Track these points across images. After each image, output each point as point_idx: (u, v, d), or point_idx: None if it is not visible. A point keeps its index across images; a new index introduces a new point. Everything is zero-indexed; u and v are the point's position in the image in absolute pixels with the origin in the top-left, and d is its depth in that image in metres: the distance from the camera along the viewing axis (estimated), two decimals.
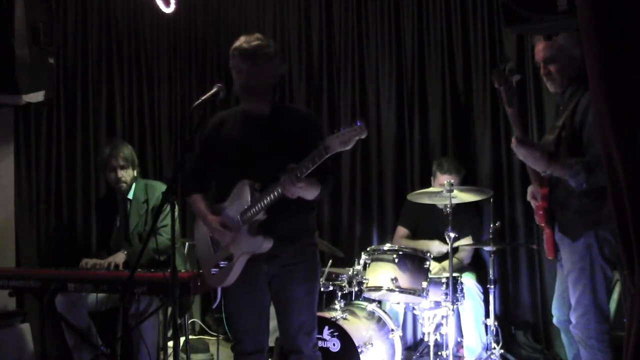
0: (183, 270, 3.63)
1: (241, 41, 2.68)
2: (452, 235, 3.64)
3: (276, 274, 2.71)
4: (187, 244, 4.46)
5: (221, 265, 2.71)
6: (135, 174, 3.92)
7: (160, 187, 3.91)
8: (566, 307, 2.86)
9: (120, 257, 3.60)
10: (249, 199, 2.61)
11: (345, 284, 3.76)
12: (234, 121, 2.78)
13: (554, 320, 3.05)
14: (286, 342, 2.77)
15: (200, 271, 3.06)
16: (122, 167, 3.84)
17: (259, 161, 2.66)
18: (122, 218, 3.93)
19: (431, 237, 4.20)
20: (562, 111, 2.86)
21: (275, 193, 2.51)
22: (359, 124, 2.35)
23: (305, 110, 2.90)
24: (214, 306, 2.89)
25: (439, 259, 4.10)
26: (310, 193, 2.61)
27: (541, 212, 2.86)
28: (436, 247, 4.11)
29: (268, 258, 2.67)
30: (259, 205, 2.56)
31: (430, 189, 3.94)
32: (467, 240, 4.13)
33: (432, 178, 4.27)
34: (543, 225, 2.89)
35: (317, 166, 2.42)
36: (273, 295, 2.76)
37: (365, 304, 3.82)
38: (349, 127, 2.35)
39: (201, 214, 2.79)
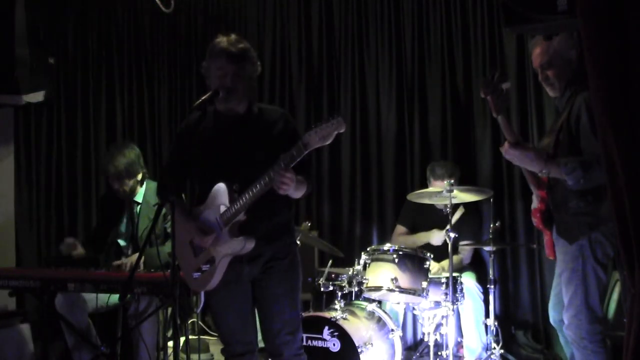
0: None
1: (224, 42, 2.65)
2: (452, 235, 3.64)
3: (258, 276, 2.69)
4: None
5: (203, 269, 2.66)
6: (139, 179, 3.80)
7: None
8: (561, 307, 2.87)
9: (134, 259, 3.57)
10: (228, 200, 2.58)
11: (345, 284, 3.76)
12: (208, 121, 2.72)
13: (551, 320, 3.06)
14: (268, 345, 2.73)
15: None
16: (117, 179, 3.75)
17: (235, 162, 2.65)
18: (129, 220, 3.86)
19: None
20: (560, 114, 2.86)
21: (255, 193, 2.48)
22: (336, 118, 2.33)
23: (280, 110, 2.86)
24: (198, 310, 2.87)
25: (439, 256, 4.08)
26: (299, 191, 2.61)
27: (538, 215, 2.86)
28: (435, 236, 4.10)
29: (250, 259, 2.65)
30: (239, 207, 2.53)
31: (431, 189, 3.93)
32: (466, 241, 4.11)
33: (427, 182, 4.27)
34: (541, 227, 2.89)
35: (300, 164, 2.42)
36: (255, 296, 2.73)
37: (365, 304, 3.81)
38: (327, 122, 2.33)
39: (182, 218, 2.72)
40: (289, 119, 2.81)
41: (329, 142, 2.36)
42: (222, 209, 2.59)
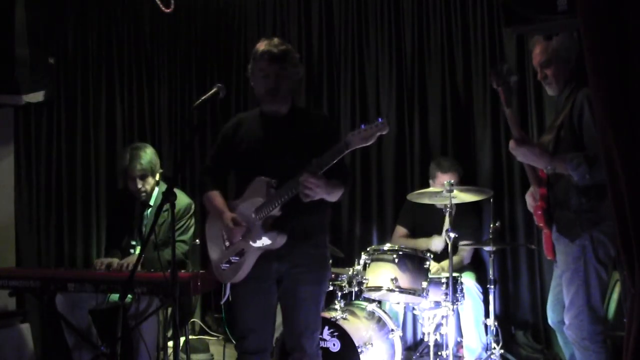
0: (183, 271, 3.63)
1: (267, 45, 2.72)
2: (452, 235, 3.64)
3: (286, 273, 2.72)
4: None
5: (232, 261, 2.72)
6: (157, 179, 3.78)
7: (183, 197, 3.76)
8: (560, 308, 2.87)
9: (133, 259, 3.56)
10: (265, 195, 2.63)
11: (345, 284, 3.76)
12: (252, 122, 2.83)
13: (549, 321, 3.06)
14: (290, 340, 2.78)
15: (203, 270, 3.06)
16: (142, 178, 3.70)
17: (276, 159, 2.70)
18: (138, 223, 3.83)
19: (430, 236, 4.19)
20: (559, 111, 2.87)
21: (292, 190, 2.54)
22: (380, 120, 2.41)
23: (322, 113, 2.99)
24: (223, 302, 2.90)
25: (439, 256, 4.08)
26: (333, 194, 2.65)
27: (540, 213, 2.86)
28: (436, 243, 4.10)
29: (279, 256, 2.68)
30: (275, 202, 2.59)
31: (431, 189, 3.93)
32: (466, 241, 4.11)
33: (430, 180, 4.26)
34: (542, 225, 2.89)
35: (336, 167, 2.48)
36: (281, 294, 2.77)
37: (365, 304, 3.81)
38: (372, 124, 2.42)
39: (218, 210, 2.80)
40: (331, 121, 2.91)
41: (370, 143, 2.45)
42: (259, 203, 2.64)
